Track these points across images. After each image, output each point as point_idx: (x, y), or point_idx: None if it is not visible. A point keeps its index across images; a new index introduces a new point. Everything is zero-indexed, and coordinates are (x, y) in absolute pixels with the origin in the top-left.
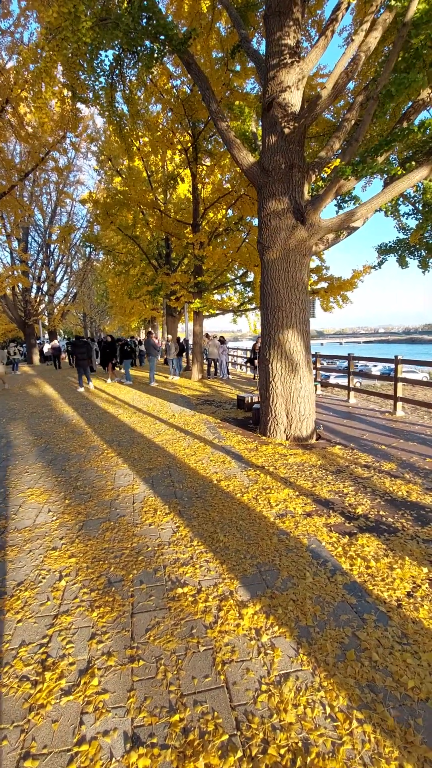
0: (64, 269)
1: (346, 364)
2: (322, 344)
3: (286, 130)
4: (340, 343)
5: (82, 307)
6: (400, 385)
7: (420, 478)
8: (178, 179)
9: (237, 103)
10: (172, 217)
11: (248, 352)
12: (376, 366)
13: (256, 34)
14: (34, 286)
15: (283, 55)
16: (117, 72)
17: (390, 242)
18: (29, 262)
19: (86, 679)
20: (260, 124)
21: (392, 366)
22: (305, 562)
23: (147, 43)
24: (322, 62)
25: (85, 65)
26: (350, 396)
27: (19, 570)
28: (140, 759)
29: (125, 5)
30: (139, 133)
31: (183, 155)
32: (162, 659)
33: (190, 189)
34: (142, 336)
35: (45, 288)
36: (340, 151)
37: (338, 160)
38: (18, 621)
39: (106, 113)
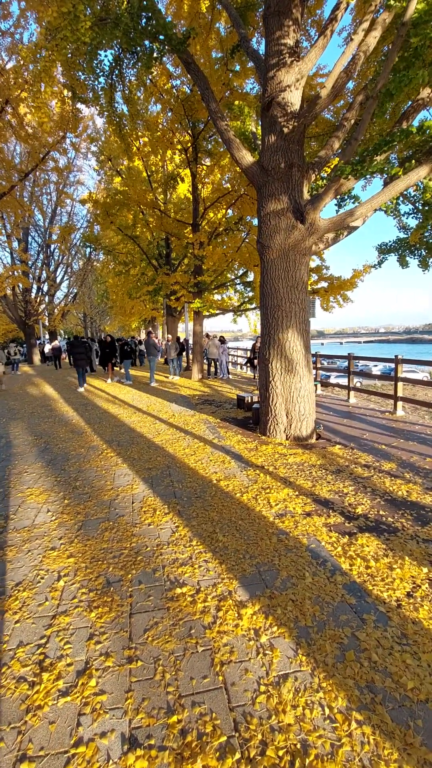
0: (64, 269)
1: (346, 363)
2: (322, 344)
3: (286, 130)
4: (341, 343)
5: (83, 307)
6: (400, 384)
7: (420, 478)
8: (178, 179)
9: (236, 102)
10: (172, 217)
11: (248, 352)
12: (376, 366)
13: (256, 34)
14: (35, 286)
15: (283, 55)
16: (116, 72)
17: (390, 242)
18: (29, 263)
19: (84, 680)
20: (260, 123)
21: (392, 366)
22: (304, 562)
23: (146, 42)
24: (321, 62)
25: (84, 65)
26: (350, 396)
27: (18, 570)
28: (138, 761)
29: (125, 5)
30: (139, 133)
31: (183, 155)
32: (160, 660)
33: (190, 189)
34: (143, 336)
35: (45, 288)
36: (339, 150)
37: (337, 160)
38: (16, 621)
39: (106, 113)
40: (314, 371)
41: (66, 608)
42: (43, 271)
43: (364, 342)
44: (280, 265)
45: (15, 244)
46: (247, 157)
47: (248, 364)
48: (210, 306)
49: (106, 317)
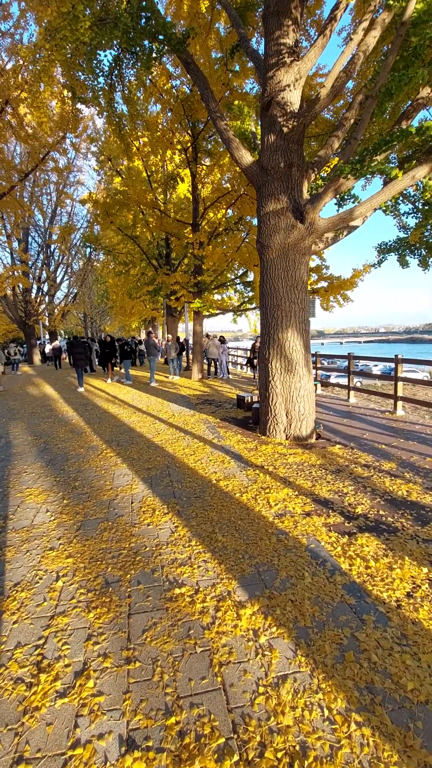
0: (64, 269)
1: (346, 363)
2: (322, 344)
3: (285, 129)
4: (341, 343)
5: (83, 307)
6: (400, 384)
7: (420, 478)
8: (178, 179)
9: (236, 102)
10: (171, 217)
11: (248, 352)
12: (376, 365)
13: (256, 34)
14: (35, 286)
15: (282, 55)
16: (116, 72)
17: (390, 241)
18: (29, 263)
19: (82, 681)
20: (259, 123)
21: (393, 365)
22: (304, 562)
23: (146, 42)
24: (321, 62)
25: (84, 65)
26: (350, 395)
27: (16, 570)
28: (135, 763)
29: (124, 5)
30: (139, 133)
31: (182, 155)
32: (158, 661)
33: (190, 189)
34: (143, 336)
35: (45, 288)
36: (339, 150)
37: (337, 159)
38: (14, 622)
39: (106, 113)
40: (314, 371)
41: (64, 609)
42: (43, 271)
43: (364, 342)
44: (280, 265)
45: (15, 244)
46: (247, 157)
47: (248, 365)
48: (210, 306)
49: (106, 317)
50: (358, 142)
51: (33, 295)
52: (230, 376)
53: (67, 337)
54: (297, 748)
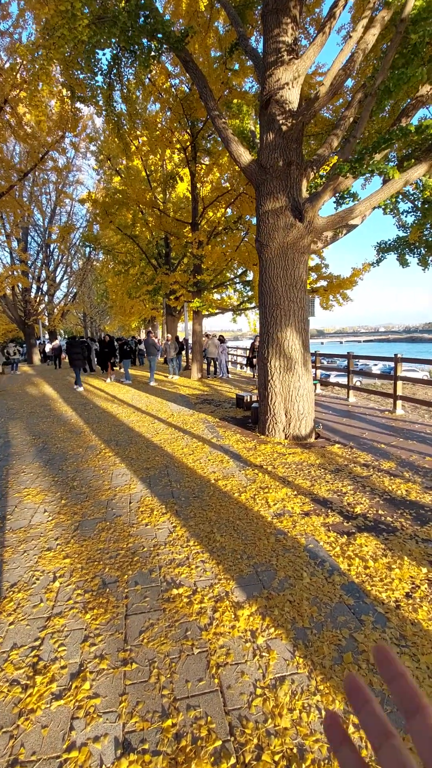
0: (63, 269)
1: (346, 362)
2: (322, 343)
3: (284, 128)
4: (341, 342)
5: (82, 306)
6: (399, 383)
7: (419, 477)
8: (177, 178)
9: (235, 101)
10: (171, 216)
11: (247, 351)
12: (376, 365)
13: (255, 33)
14: (34, 286)
15: (281, 53)
16: (115, 71)
17: (390, 240)
18: (29, 262)
19: (78, 683)
20: (258, 122)
21: (392, 364)
22: (302, 563)
23: (144, 41)
24: (321, 61)
25: (83, 64)
26: (350, 395)
27: (13, 571)
28: (131, 766)
29: (122, 3)
30: (138, 133)
31: (182, 154)
32: (155, 662)
33: (189, 188)
34: (143, 335)
35: (45, 288)
36: (338, 148)
37: (336, 158)
38: (10, 623)
39: (104, 112)
40: (314, 370)
41: (61, 610)
42: (43, 271)
43: (363, 341)
44: (279, 264)
45: (14, 244)
46: (246, 156)
47: (248, 364)
48: (209, 305)
49: (106, 317)
50: (357, 141)
51: (32, 295)
52: (229, 376)
53: (66, 336)
54: (294, 750)
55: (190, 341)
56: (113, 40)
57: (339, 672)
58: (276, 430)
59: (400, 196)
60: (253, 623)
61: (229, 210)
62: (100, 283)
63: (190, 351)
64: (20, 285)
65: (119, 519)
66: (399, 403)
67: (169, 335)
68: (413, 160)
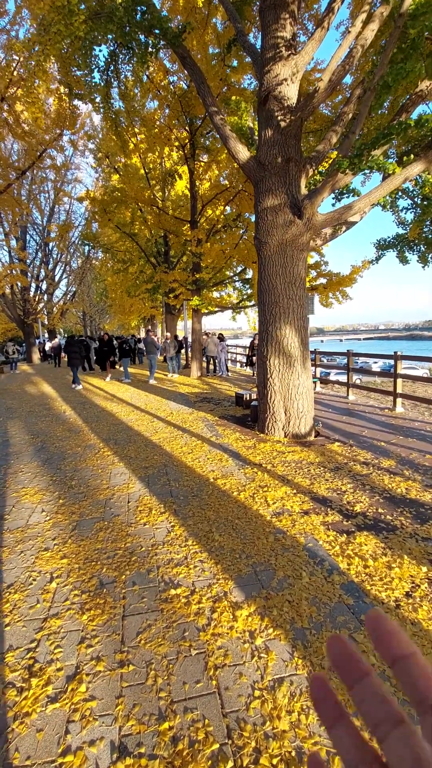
0: (62, 268)
1: (345, 360)
2: (322, 341)
3: (283, 124)
4: (341, 340)
5: (82, 305)
6: (399, 381)
7: (419, 475)
8: (176, 176)
9: (233, 98)
10: (170, 214)
11: (247, 349)
12: (376, 362)
13: (253, 29)
14: (33, 284)
15: (279, 48)
16: (112, 68)
17: (389, 237)
18: (28, 261)
19: (74, 686)
20: (257, 119)
21: (392, 362)
22: (302, 562)
23: (141, 37)
24: (319, 58)
25: (80, 61)
26: (350, 393)
27: (10, 572)
28: None
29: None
30: (136, 130)
31: (180, 152)
32: (152, 664)
33: (188, 186)
34: (142, 334)
35: (44, 287)
36: (337, 145)
37: (335, 154)
38: (6, 625)
39: (102, 110)
40: (313, 368)
41: (58, 611)
42: (42, 270)
43: (363, 339)
44: (278, 261)
45: (13, 243)
46: (244, 152)
47: (248, 363)
48: (209, 303)
49: (105, 315)
50: (356, 137)
51: (31, 294)
52: (229, 374)
53: (66, 335)
54: (293, 753)
55: (190, 339)
56: (110, 36)
57: None
58: (275, 428)
59: (400, 193)
60: (252, 624)
61: (228, 207)
62: (99, 281)
63: (189, 349)
64: (19, 284)
65: (117, 518)
66: (399, 400)
67: (169, 333)
68: (412, 156)
